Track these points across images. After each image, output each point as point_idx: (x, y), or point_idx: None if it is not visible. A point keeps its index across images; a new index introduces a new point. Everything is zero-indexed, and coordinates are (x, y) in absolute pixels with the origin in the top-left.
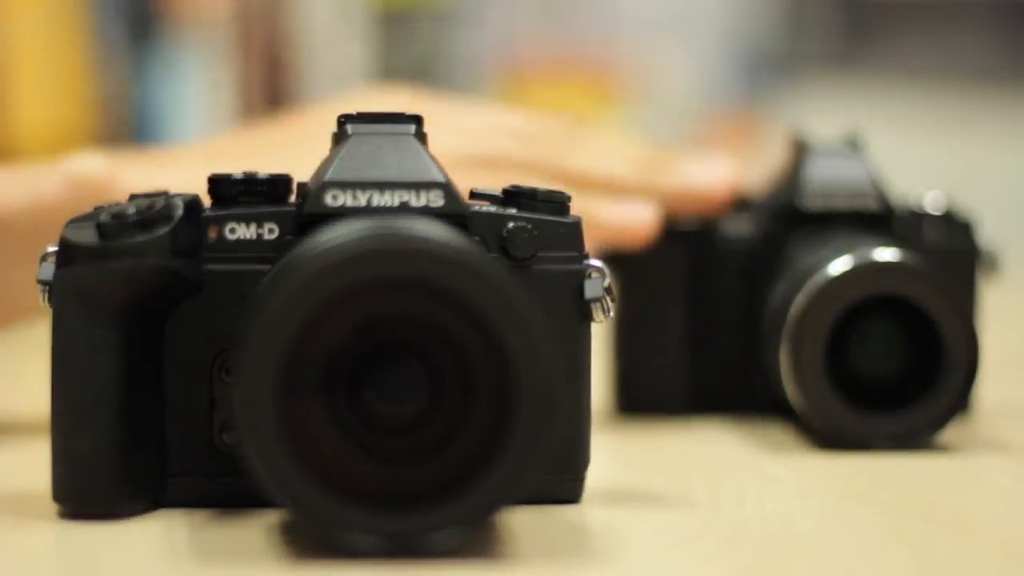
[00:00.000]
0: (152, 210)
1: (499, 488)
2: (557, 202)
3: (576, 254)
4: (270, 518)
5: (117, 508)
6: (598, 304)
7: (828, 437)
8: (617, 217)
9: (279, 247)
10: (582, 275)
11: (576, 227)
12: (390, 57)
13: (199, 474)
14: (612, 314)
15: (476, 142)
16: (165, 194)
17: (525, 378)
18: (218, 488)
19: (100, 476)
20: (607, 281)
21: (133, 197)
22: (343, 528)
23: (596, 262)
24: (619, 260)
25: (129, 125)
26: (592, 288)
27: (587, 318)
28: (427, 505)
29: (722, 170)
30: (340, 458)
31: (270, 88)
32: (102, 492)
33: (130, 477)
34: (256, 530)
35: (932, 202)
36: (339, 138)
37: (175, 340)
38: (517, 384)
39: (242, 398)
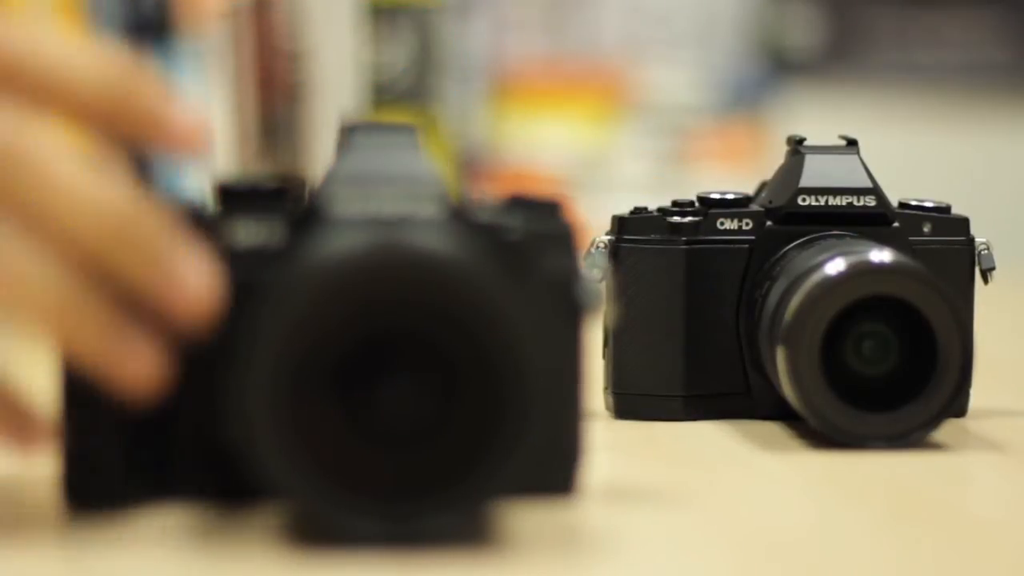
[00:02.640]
0: None
1: (491, 476)
2: (553, 207)
3: (571, 260)
4: (274, 511)
5: (124, 504)
6: (592, 306)
7: (824, 436)
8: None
9: (284, 252)
10: (578, 280)
11: (570, 233)
12: (383, 51)
13: (205, 469)
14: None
15: None
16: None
17: (513, 380)
18: (223, 482)
19: (107, 473)
20: (602, 285)
21: None
22: (343, 515)
23: (591, 268)
24: (616, 261)
25: None
26: (587, 293)
27: (580, 319)
28: (424, 493)
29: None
30: (341, 450)
31: (267, 87)
32: (109, 488)
33: (137, 473)
34: (261, 522)
35: (928, 202)
36: (343, 146)
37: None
38: (505, 386)
39: (249, 396)
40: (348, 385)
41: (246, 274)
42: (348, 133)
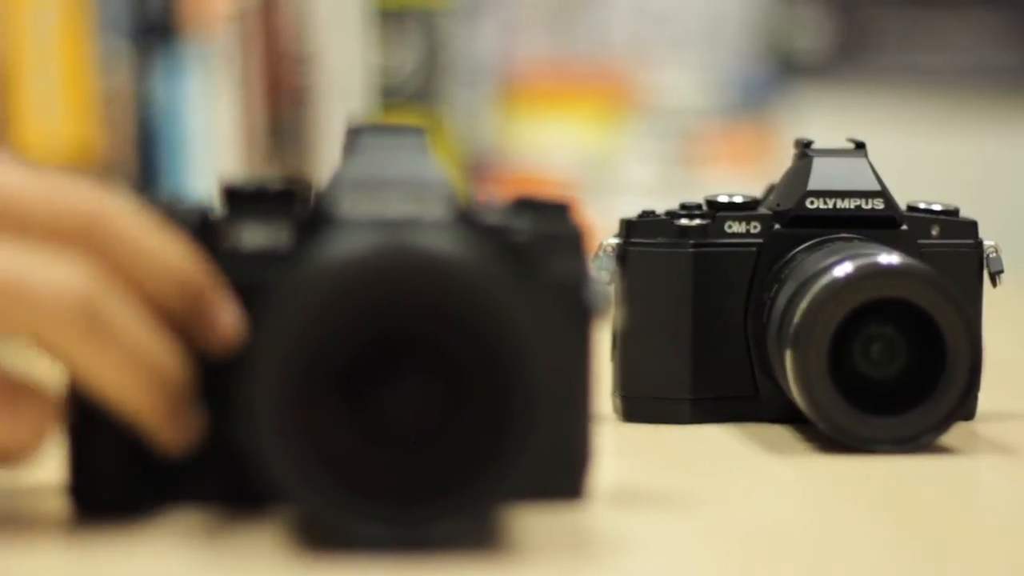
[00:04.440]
0: (170, 216)
1: (500, 480)
2: (561, 209)
3: (579, 262)
4: (281, 515)
5: (130, 509)
6: (601, 309)
7: (832, 439)
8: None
9: (291, 254)
10: (586, 282)
11: (579, 235)
12: (391, 54)
13: (212, 474)
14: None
15: None
16: (180, 201)
17: (521, 383)
18: (231, 487)
19: (113, 478)
20: (610, 287)
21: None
22: (350, 520)
23: (599, 271)
24: (624, 265)
25: (136, 129)
26: (595, 295)
27: (588, 322)
28: (432, 497)
29: None
30: (348, 454)
31: (274, 90)
32: (115, 493)
33: (143, 478)
34: (267, 526)
35: (936, 205)
36: (350, 148)
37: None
38: (513, 389)
39: (256, 399)
40: (355, 388)
41: (252, 276)
42: (355, 135)
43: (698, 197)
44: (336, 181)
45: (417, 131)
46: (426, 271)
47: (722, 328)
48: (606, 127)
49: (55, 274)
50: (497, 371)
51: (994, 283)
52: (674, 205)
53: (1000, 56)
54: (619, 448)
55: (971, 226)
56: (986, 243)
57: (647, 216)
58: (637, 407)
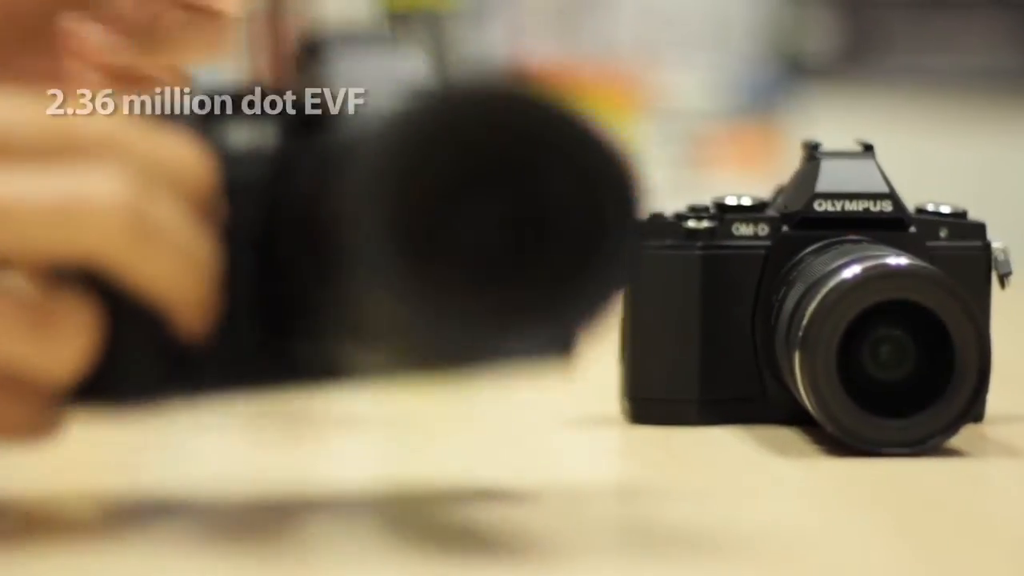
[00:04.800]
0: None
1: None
2: None
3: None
4: (281, 515)
5: (152, 398)
6: None
7: (840, 442)
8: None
9: (285, 151)
10: None
11: None
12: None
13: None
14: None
15: None
16: None
17: (613, 191)
18: (237, 374)
19: (135, 365)
20: None
21: None
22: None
23: None
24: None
25: None
26: None
27: None
28: (525, 320)
29: None
30: (454, 289)
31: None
32: (137, 382)
33: (160, 362)
34: (267, 529)
35: (945, 207)
36: (317, 59)
37: None
38: (603, 202)
39: (371, 257)
40: (457, 222)
41: (240, 175)
42: (317, 48)
43: (706, 199)
44: (324, 81)
45: (388, 35)
46: (513, 100)
47: (730, 330)
48: (613, 129)
49: (96, 186)
50: (590, 184)
51: (1003, 285)
52: (682, 207)
53: (1008, 58)
54: (627, 449)
55: (979, 228)
56: (994, 245)
57: (655, 218)
58: (645, 409)
